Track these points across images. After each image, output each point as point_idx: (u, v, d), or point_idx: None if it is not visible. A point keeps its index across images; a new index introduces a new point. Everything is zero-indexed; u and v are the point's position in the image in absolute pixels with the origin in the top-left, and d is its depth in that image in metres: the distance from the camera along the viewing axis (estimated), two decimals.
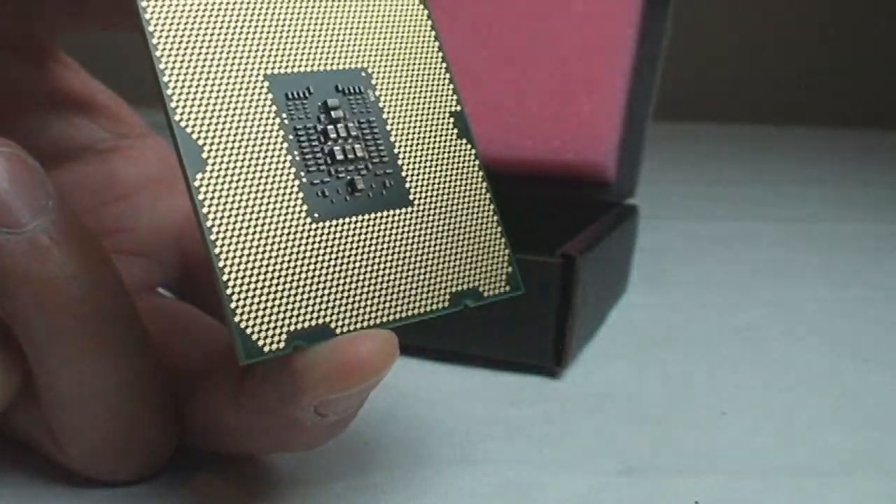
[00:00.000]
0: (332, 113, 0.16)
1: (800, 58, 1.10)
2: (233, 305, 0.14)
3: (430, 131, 0.18)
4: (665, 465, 0.22)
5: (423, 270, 0.16)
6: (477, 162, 0.18)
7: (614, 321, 0.32)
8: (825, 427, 0.24)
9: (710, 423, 0.24)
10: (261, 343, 0.14)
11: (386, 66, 0.18)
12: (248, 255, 0.15)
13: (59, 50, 0.22)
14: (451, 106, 0.18)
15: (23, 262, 0.15)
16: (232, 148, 0.15)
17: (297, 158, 0.16)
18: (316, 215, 0.16)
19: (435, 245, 0.17)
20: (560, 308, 0.26)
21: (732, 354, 0.30)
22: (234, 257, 0.14)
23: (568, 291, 0.26)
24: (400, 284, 0.16)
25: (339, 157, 0.16)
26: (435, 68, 0.18)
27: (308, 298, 0.15)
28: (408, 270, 0.16)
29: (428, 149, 0.17)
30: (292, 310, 0.15)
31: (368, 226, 0.16)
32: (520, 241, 0.27)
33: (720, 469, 0.22)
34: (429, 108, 0.18)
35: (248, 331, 0.14)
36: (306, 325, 0.15)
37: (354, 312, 0.15)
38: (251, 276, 0.14)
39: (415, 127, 0.17)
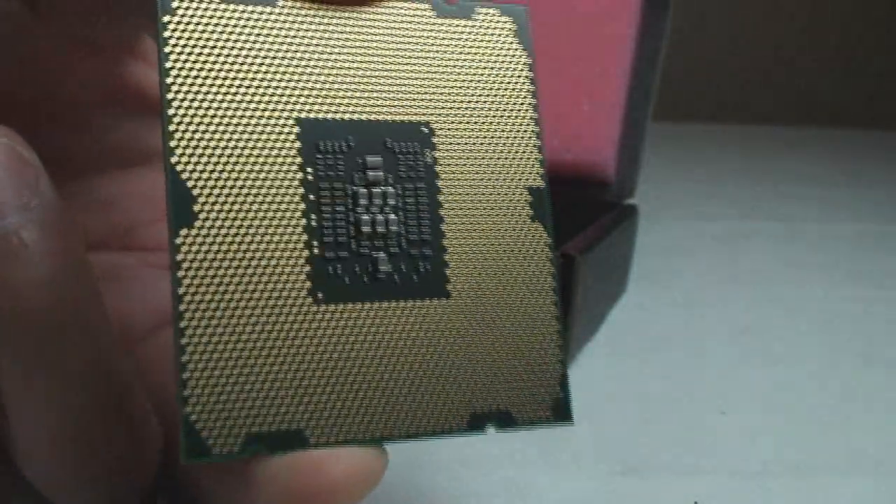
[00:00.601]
0: (370, 174, 0.14)
1: (800, 58, 1.10)
2: (186, 393, 0.12)
3: (496, 209, 0.14)
4: (665, 465, 0.22)
5: (443, 379, 0.13)
6: (549, 254, 0.15)
7: (614, 321, 0.32)
8: (825, 427, 0.24)
9: (710, 423, 0.24)
10: (210, 442, 0.12)
11: (456, 121, 0.14)
12: (222, 334, 0.12)
13: (146, 47, 0.20)
14: (530, 180, 0.15)
15: None
16: (233, 203, 0.13)
17: (314, 224, 0.13)
18: (319, 296, 0.13)
19: (466, 350, 0.14)
20: (560, 308, 0.26)
21: (732, 354, 0.30)
22: (203, 335, 0.12)
23: (568, 291, 0.26)
24: (408, 394, 0.13)
25: (366, 229, 0.13)
26: (522, 130, 0.15)
27: (284, 396, 0.12)
28: (423, 377, 0.13)
29: (487, 230, 0.14)
30: (260, 406, 0.12)
31: (384, 317, 0.13)
32: None
33: (720, 469, 0.22)
34: (501, 179, 0.15)
35: (199, 425, 0.12)
36: (273, 427, 0.12)
37: (340, 421, 0.13)
38: (219, 360, 0.12)
39: (476, 201, 0.14)
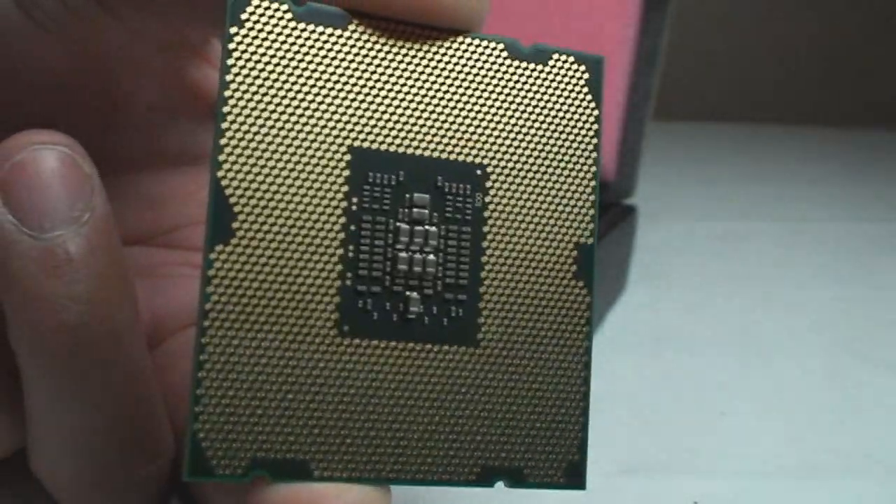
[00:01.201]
0: (415, 211, 0.13)
1: (800, 58, 1.10)
2: (197, 409, 0.12)
3: (540, 261, 0.14)
4: (665, 465, 0.22)
5: (457, 429, 0.13)
6: (587, 314, 0.14)
7: (613, 321, 0.32)
8: (825, 427, 0.24)
9: (709, 423, 0.24)
10: (213, 462, 0.12)
11: (513, 167, 0.14)
12: (242, 355, 0.12)
13: (213, 48, 0.20)
14: (581, 237, 0.14)
15: (29, 269, 0.13)
16: (272, 225, 0.12)
17: (350, 256, 0.13)
18: (346, 328, 0.13)
19: (487, 402, 0.13)
20: (589, 370, 0.26)
21: (732, 354, 0.30)
22: (223, 354, 0.12)
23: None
24: (420, 439, 0.13)
25: (402, 266, 0.13)
26: (579, 184, 0.14)
27: (295, 424, 0.12)
28: (438, 424, 0.13)
29: (527, 282, 0.14)
30: (270, 433, 0.12)
31: (407, 358, 0.13)
32: None
33: (720, 469, 0.22)
34: (551, 232, 0.14)
35: (205, 444, 0.12)
36: (279, 455, 0.12)
37: (347, 457, 0.13)
38: (235, 380, 0.12)
39: (521, 251, 0.14)
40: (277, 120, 0.13)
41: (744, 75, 1.10)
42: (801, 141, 0.88)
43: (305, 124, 0.13)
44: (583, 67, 0.14)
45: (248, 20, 0.13)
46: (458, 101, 0.14)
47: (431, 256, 0.13)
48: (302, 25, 0.13)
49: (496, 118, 0.14)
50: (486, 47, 0.14)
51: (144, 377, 0.16)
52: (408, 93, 0.13)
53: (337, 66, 0.13)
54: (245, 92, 0.13)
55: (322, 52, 0.13)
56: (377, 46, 0.13)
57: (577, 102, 0.14)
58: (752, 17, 1.10)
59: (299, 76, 0.13)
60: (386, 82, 0.13)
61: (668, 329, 0.32)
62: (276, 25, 0.13)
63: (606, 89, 0.36)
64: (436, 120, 0.14)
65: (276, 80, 0.13)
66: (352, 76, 0.13)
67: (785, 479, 0.21)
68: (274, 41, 0.13)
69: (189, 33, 0.19)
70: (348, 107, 0.13)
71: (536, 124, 0.14)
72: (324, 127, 0.13)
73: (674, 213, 0.52)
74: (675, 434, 0.23)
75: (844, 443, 0.23)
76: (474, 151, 0.14)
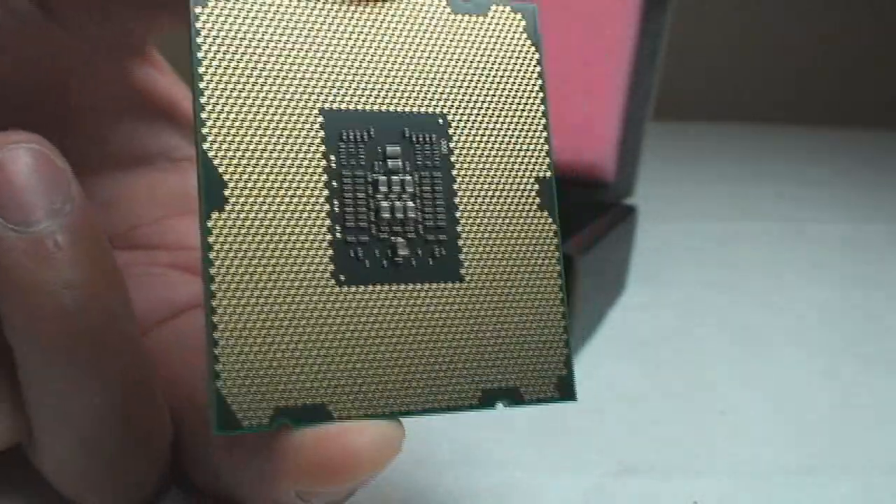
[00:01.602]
0: (390, 163, 0.14)
1: (799, 57, 1.10)
2: (218, 367, 0.13)
3: (507, 197, 0.15)
4: (664, 465, 0.22)
5: (456, 358, 0.14)
6: (555, 241, 0.15)
7: (613, 321, 0.32)
8: (825, 427, 0.24)
9: (709, 423, 0.24)
10: (240, 415, 0.13)
11: (470, 114, 0.15)
12: (251, 313, 0.13)
13: (150, 50, 0.21)
14: (539, 171, 0.15)
15: (21, 261, 0.14)
16: (261, 188, 0.13)
17: (336, 210, 0.14)
18: (342, 278, 0.14)
19: (478, 331, 0.15)
20: (565, 290, 0.26)
21: (732, 354, 0.30)
22: (234, 314, 0.13)
23: (566, 291, 0.26)
24: (424, 371, 0.14)
25: (385, 214, 0.14)
26: (531, 123, 0.15)
27: (308, 372, 0.13)
28: (437, 356, 0.14)
29: (498, 218, 0.15)
30: (287, 382, 0.13)
31: (402, 298, 0.14)
32: None
33: (719, 469, 0.22)
34: (512, 169, 0.15)
35: (229, 399, 0.13)
36: (299, 402, 0.13)
37: (360, 396, 0.13)
38: (248, 337, 0.13)
39: (488, 190, 0.15)
40: (252, 91, 0.14)
41: (744, 75, 1.10)
42: (802, 141, 0.88)
43: (278, 93, 0.14)
44: (519, 16, 0.16)
45: (209, 1, 0.14)
46: (412, 57, 0.15)
47: (410, 203, 0.14)
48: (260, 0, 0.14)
49: (449, 69, 0.15)
50: (431, 4, 0.15)
51: (143, 359, 0.16)
52: (367, 53, 0.14)
53: (300, 34, 0.14)
54: (217, 68, 0.13)
55: (284, 22, 0.14)
56: (333, 12, 0.14)
57: (518, 48, 0.16)
58: (753, 18, 1.10)
59: (266, 47, 0.14)
60: (345, 45, 0.14)
61: (668, 329, 0.32)
62: (236, 2, 0.14)
63: (607, 89, 0.35)
64: (395, 76, 0.15)
65: (244, 54, 0.14)
66: (314, 42, 0.14)
67: (785, 479, 0.21)
68: (238, 16, 0.14)
69: (129, 33, 0.19)
70: (314, 72, 0.14)
71: (485, 72, 0.15)
72: (294, 93, 0.14)
73: (674, 213, 0.52)
74: (675, 434, 0.23)
75: (844, 443, 0.23)
76: (434, 102, 0.15)
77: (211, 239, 0.13)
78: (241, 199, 0.13)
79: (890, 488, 0.21)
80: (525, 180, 0.15)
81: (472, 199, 0.15)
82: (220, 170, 0.13)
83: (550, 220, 0.15)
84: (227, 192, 0.13)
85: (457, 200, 0.15)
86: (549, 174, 0.16)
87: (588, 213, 0.32)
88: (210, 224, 0.13)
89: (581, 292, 0.26)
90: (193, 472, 0.18)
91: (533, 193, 0.15)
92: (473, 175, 0.15)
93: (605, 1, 0.36)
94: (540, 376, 0.15)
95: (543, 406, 0.15)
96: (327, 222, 0.14)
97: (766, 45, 1.11)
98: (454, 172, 0.15)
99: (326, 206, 0.14)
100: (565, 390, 0.15)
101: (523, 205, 0.15)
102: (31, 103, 0.18)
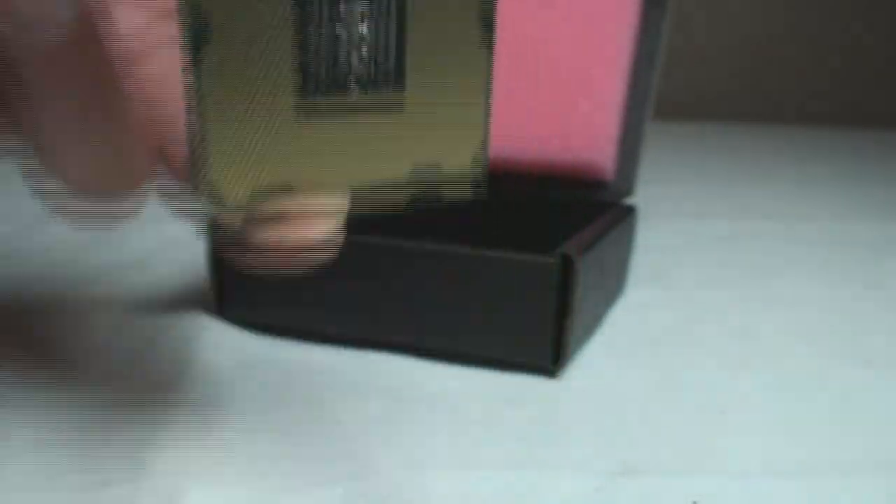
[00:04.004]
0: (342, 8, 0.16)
1: (800, 58, 1.10)
2: (210, 161, 0.15)
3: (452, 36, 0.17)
4: (665, 465, 0.22)
5: (396, 149, 0.17)
6: (478, 28, 0.17)
7: (613, 321, 0.32)
8: (825, 427, 0.24)
9: (709, 423, 0.24)
10: (224, 195, 0.16)
11: None
12: (233, 121, 0.16)
13: None
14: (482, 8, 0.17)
15: None
16: (238, 32, 0.15)
17: (301, 59, 0.16)
18: (301, 116, 0.16)
19: (416, 129, 0.17)
20: (558, 308, 0.26)
21: (732, 354, 0.30)
22: (220, 127, 0.15)
23: (566, 291, 0.26)
24: (370, 155, 0.17)
25: (342, 60, 0.16)
26: None
27: (277, 164, 0.16)
28: (382, 147, 0.17)
29: (443, 53, 0.17)
30: (259, 172, 0.16)
31: (353, 126, 0.17)
32: (518, 241, 0.27)
33: (719, 469, 0.22)
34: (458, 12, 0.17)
35: (217, 181, 0.16)
36: (272, 185, 0.16)
37: (316, 175, 0.16)
38: (232, 137, 0.16)
39: (437, 33, 0.17)
40: None
41: (744, 75, 1.10)
42: (802, 141, 0.88)
43: None
44: None
45: None
46: None
47: (365, 52, 0.16)
48: None
49: None
50: None
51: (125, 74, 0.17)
52: None
53: None
54: None
55: None
56: None
57: None
58: (753, 18, 1.10)
59: None
60: None
61: (668, 329, 0.32)
62: None
63: (606, 89, 0.35)
64: None
65: None
66: None
67: (785, 479, 0.21)
68: None
69: None
70: None
71: None
72: None
73: (674, 213, 0.52)
74: (675, 434, 0.23)
75: (844, 443, 0.23)
76: None
77: (204, 66, 0.15)
78: (223, 40, 0.15)
79: (890, 488, 0.21)
80: (470, 21, 0.17)
81: (422, 40, 0.17)
82: (205, 9, 0.15)
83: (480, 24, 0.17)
84: (211, 33, 0.15)
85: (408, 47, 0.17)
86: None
87: (588, 213, 0.32)
88: (200, 55, 0.15)
89: (581, 292, 0.26)
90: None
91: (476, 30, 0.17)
92: (425, 20, 0.16)
93: (606, 1, 0.36)
94: (461, 154, 0.17)
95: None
96: (294, 68, 0.16)
97: (766, 46, 1.11)
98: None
99: (293, 53, 0.16)
100: (478, 161, 0.18)
101: (465, 41, 0.17)
102: None
